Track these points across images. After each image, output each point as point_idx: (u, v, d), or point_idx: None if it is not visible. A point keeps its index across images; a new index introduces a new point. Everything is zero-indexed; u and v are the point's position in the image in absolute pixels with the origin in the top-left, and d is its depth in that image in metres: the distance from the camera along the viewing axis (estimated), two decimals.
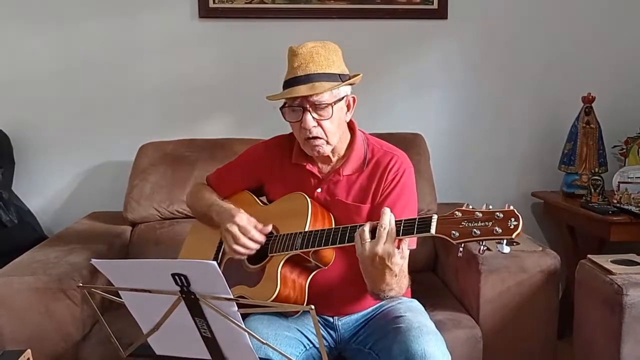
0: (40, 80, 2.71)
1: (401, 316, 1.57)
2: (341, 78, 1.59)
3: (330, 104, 1.57)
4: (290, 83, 1.58)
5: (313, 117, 1.57)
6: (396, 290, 1.50)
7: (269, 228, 1.61)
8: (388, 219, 1.37)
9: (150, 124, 2.75)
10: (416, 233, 1.36)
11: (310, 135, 1.59)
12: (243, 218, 1.61)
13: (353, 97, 1.66)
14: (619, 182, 2.48)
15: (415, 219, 1.38)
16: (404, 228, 1.38)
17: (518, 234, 1.26)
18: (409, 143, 2.47)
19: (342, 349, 1.69)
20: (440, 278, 2.37)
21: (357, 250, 1.41)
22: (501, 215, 1.28)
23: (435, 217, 1.34)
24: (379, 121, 2.65)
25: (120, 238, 2.39)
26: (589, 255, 2.02)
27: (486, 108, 2.87)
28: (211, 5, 2.70)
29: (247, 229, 1.59)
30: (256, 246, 1.59)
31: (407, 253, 1.44)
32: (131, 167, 2.54)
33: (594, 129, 2.66)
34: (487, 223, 1.28)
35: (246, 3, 2.71)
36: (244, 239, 1.58)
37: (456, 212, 1.32)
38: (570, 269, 2.56)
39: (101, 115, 2.75)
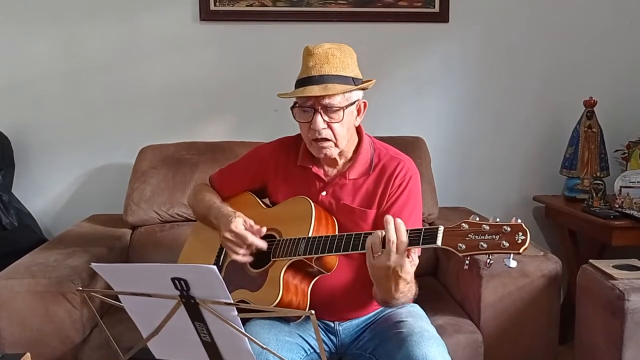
0: (40, 83, 2.71)
1: (402, 321, 1.57)
2: (354, 82, 1.58)
3: (342, 108, 1.57)
4: (303, 82, 1.57)
5: (323, 119, 1.57)
6: (408, 297, 1.50)
7: (264, 230, 1.60)
8: (393, 232, 1.34)
9: (151, 127, 2.75)
10: (422, 244, 1.34)
11: (319, 137, 1.58)
12: (239, 223, 1.60)
13: (364, 102, 1.66)
14: (620, 187, 2.47)
15: (421, 229, 1.36)
16: (410, 238, 1.36)
17: (525, 248, 1.24)
18: (410, 146, 2.47)
19: (342, 354, 1.69)
20: (441, 282, 2.37)
21: (367, 262, 1.39)
22: (509, 229, 1.26)
23: (441, 228, 1.33)
24: (380, 124, 2.64)
25: (120, 241, 2.39)
26: (590, 260, 2.01)
27: (487, 111, 2.87)
28: (212, 8, 2.70)
29: (245, 235, 1.58)
30: (254, 250, 1.59)
31: (417, 261, 1.42)
32: (131, 170, 2.54)
33: (596, 133, 2.66)
34: (494, 236, 1.27)
35: (247, 6, 2.71)
36: (243, 249, 1.58)
37: (463, 224, 1.30)
38: (571, 273, 2.56)
39: (102, 117, 2.74)
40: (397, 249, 1.33)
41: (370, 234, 1.44)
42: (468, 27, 2.80)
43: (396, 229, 1.34)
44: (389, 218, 1.36)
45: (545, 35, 2.84)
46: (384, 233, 1.36)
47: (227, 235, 1.59)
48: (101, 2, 2.68)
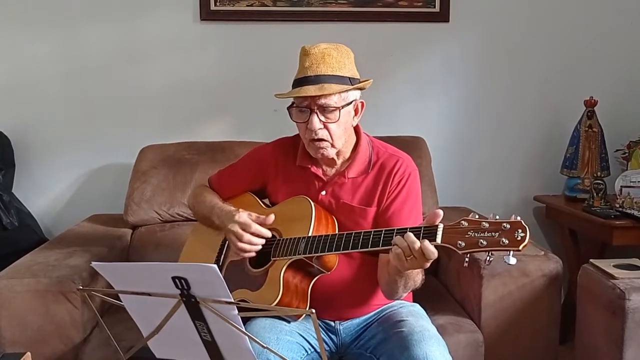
0: (41, 83, 2.71)
1: (403, 320, 1.57)
2: (351, 82, 1.58)
3: (338, 108, 1.57)
4: (299, 82, 1.57)
5: (320, 120, 1.57)
6: (414, 277, 1.53)
7: (272, 218, 1.61)
8: (406, 247, 1.34)
9: (151, 127, 2.75)
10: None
11: (316, 137, 1.59)
12: (243, 215, 1.61)
13: (362, 101, 1.66)
14: (621, 186, 2.47)
15: (420, 227, 1.36)
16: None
17: (525, 245, 1.24)
18: (411, 146, 2.46)
19: (343, 353, 1.69)
20: (442, 282, 2.37)
21: (397, 265, 1.39)
22: (508, 226, 1.26)
23: (441, 226, 1.33)
24: (381, 124, 2.64)
25: (120, 241, 2.39)
26: (591, 260, 2.01)
27: (488, 111, 2.86)
28: (212, 7, 2.70)
29: (249, 223, 1.59)
30: (261, 241, 1.59)
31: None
32: (132, 170, 2.54)
33: (596, 133, 2.66)
34: (493, 234, 1.27)
35: (247, 6, 2.71)
36: (247, 236, 1.58)
37: (462, 221, 1.30)
38: (572, 273, 2.55)
39: (102, 117, 2.75)
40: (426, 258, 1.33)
41: (369, 233, 1.45)
42: (468, 27, 2.80)
43: (424, 248, 1.32)
44: (411, 237, 1.33)
45: (545, 35, 2.83)
46: (409, 239, 1.34)
47: (232, 226, 1.60)
48: (102, 2, 2.68)
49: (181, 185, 2.46)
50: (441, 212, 1.35)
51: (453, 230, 1.31)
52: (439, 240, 1.31)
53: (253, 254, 1.61)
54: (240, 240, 1.59)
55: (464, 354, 1.90)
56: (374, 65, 2.66)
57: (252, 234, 1.59)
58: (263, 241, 1.60)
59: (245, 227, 1.59)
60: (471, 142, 2.87)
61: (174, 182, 2.47)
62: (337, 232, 1.59)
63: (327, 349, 1.66)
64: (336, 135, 1.60)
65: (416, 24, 2.78)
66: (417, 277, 1.54)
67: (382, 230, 1.43)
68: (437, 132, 2.81)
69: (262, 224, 1.60)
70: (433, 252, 1.32)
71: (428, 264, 1.36)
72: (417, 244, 1.32)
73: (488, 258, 1.29)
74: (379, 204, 1.64)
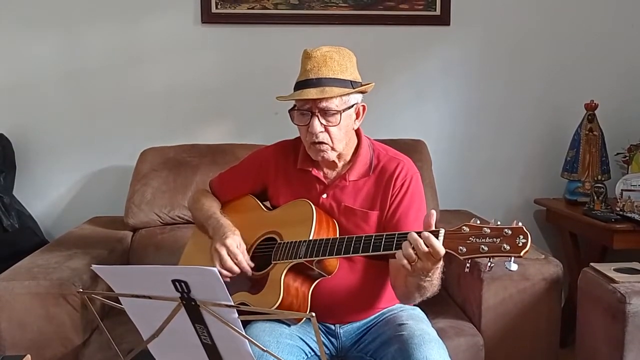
0: (42, 85, 2.71)
1: (403, 324, 1.57)
2: (353, 85, 1.58)
3: (339, 111, 1.57)
4: (301, 85, 1.58)
5: (321, 123, 1.57)
6: (432, 289, 1.51)
7: (251, 264, 1.61)
8: (424, 246, 1.32)
9: (152, 129, 2.75)
10: None
11: (317, 140, 1.59)
12: (234, 242, 1.61)
13: (363, 105, 1.66)
14: (621, 190, 2.47)
15: (421, 232, 1.35)
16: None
17: (526, 252, 1.24)
18: (411, 149, 2.47)
19: (343, 356, 1.68)
20: (442, 285, 2.34)
21: (406, 272, 1.39)
22: (510, 232, 1.26)
23: (442, 231, 1.33)
24: (381, 127, 2.65)
25: (121, 243, 2.39)
26: (591, 263, 2.01)
27: (489, 114, 2.87)
28: (214, 10, 2.70)
29: (236, 253, 1.59)
30: (239, 271, 1.60)
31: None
32: (132, 172, 2.54)
33: (597, 136, 2.66)
34: (495, 239, 1.26)
35: (248, 9, 2.72)
36: (230, 263, 1.59)
37: (464, 227, 1.30)
38: (572, 276, 2.55)
39: (103, 120, 2.75)
40: (434, 257, 1.32)
41: (370, 237, 1.45)
42: (469, 30, 2.80)
43: (430, 245, 1.31)
44: (414, 236, 1.33)
45: (546, 38, 2.84)
46: (415, 242, 1.33)
47: (219, 247, 1.60)
48: (103, 4, 2.69)
49: (182, 187, 2.46)
50: (434, 212, 1.35)
51: (454, 235, 1.31)
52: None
53: (227, 280, 1.60)
54: (222, 266, 1.59)
55: (464, 357, 1.90)
56: (375, 69, 2.66)
57: (236, 264, 1.59)
58: (240, 271, 1.60)
59: (231, 255, 1.59)
60: (472, 145, 2.88)
61: (174, 185, 2.47)
62: (338, 235, 1.59)
63: (327, 352, 1.66)
64: (337, 138, 1.60)
65: (417, 27, 2.78)
66: (435, 283, 1.50)
67: (383, 235, 1.43)
68: (438, 135, 2.81)
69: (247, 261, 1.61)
70: (440, 248, 1.30)
71: (437, 264, 1.36)
72: (424, 244, 1.31)
73: (489, 264, 1.29)
74: (381, 207, 1.63)
